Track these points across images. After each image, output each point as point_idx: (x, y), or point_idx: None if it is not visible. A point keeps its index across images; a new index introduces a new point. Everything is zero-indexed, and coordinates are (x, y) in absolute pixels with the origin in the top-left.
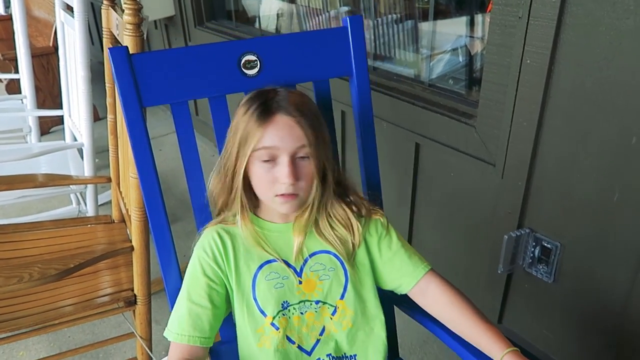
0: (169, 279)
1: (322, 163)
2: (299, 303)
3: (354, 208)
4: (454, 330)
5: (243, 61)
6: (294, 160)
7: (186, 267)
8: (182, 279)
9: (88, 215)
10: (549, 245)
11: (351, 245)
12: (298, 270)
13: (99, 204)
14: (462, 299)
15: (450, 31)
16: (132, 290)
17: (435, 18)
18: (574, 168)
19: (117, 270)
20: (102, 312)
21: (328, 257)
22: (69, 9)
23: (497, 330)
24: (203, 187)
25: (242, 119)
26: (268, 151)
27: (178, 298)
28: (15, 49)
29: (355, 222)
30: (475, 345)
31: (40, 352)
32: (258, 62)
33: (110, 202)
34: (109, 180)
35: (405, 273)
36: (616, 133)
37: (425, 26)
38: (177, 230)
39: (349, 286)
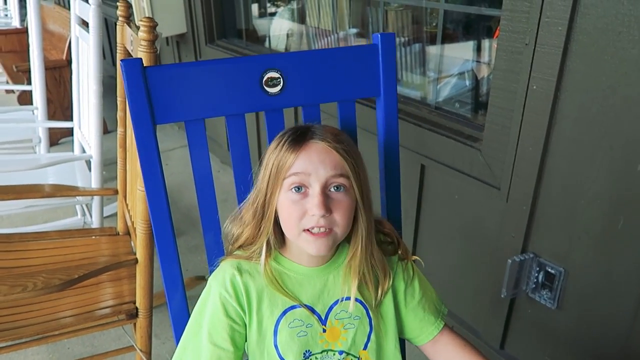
0: (172, 295)
1: (364, 195)
2: (321, 352)
3: (389, 248)
4: None
5: (265, 78)
6: (326, 191)
7: (189, 282)
8: (184, 294)
9: (93, 226)
10: (552, 271)
11: (380, 292)
12: (323, 318)
13: (104, 216)
14: (470, 352)
15: (458, 55)
16: (134, 303)
17: (443, 42)
18: (579, 194)
19: (119, 283)
20: (103, 324)
21: (355, 304)
22: (84, 24)
23: None
24: (214, 206)
25: (273, 152)
26: (298, 177)
27: (191, 332)
28: (29, 61)
29: (388, 267)
30: None
31: None
32: (281, 79)
33: (115, 214)
34: (116, 192)
35: (426, 323)
36: (621, 160)
37: (432, 49)
38: (181, 244)
39: (373, 336)
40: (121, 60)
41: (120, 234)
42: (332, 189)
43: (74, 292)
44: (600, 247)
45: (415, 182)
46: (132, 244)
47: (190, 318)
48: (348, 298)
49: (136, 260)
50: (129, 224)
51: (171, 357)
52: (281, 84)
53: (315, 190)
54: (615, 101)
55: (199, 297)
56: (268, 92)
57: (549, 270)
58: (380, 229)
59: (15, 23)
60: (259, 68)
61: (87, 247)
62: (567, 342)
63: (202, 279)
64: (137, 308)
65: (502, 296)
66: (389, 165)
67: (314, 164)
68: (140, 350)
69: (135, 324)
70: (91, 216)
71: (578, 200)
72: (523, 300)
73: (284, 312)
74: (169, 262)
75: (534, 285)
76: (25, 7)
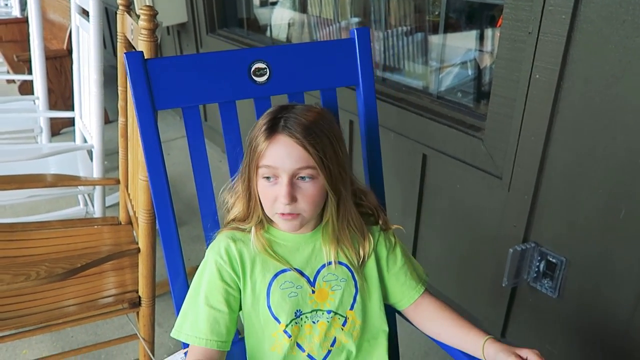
0: (175, 282)
1: (336, 181)
2: (311, 312)
3: (371, 219)
4: (443, 342)
5: (253, 69)
6: (293, 180)
7: (191, 271)
8: (187, 282)
9: (95, 216)
10: (554, 260)
11: (362, 256)
12: (311, 280)
13: (106, 205)
14: (449, 312)
15: (460, 44)
16: (137, 292)
17: (446, 31)
18: (580, 183)
19: (122, 272)
20: (106, 312)
21: (340, 267)
22: (85, 13)
23: (475, 328)
24: (211, 190)
25: (255, 131)
26: (267, 170)
27: (190, 300)
28: (29, 50)
29: (367, 233)
30: (461, 349)
31: (43, 351)
32: (267, 69)
33: (117, 204)
34: (118, 182)
35: (408, 287)
36: (623, 150)
37: (435, 39)
38: (183, 234)
39: (358, 297)
40: (125, 53)
41: (122, 223)
42: (299, 178)
43: (77, 281)
44: (601, 236)
45: (417, 172)
46: (134, 234)
47: (190, 288)
48: (330, 262)
49: (138, 250)
50: (131, 213)
51: (174, 345)
52: (267, 73)
53: (282, 180)
54: (619, 90)
55: None
56: (256, 81)
57: (550, 259)
58: (362, 201)
59: (16, 12)
60: (247, 59)
61: (89, 236)
62: (568, 330)
63: None
64: (139, 297)
65: (504, 285)
66: (371, 146)
67: (281, 158)
68: (143, 339)
69: (138, 313)
70: (93, 206)
71: (580, 190)
72: (524, 289)
73: (276, 275)
74: (171, 250)
75: (535, 275)
76: None
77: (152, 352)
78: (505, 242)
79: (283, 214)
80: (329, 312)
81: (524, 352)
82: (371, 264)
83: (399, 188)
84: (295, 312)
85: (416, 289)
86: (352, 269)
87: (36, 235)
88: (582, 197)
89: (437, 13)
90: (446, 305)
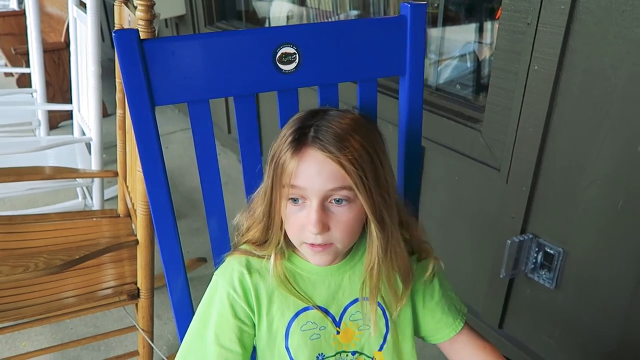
0: (172, 276)
1: (378, 205)
2: (335, 355)
3: (411, 250)
4: None
5: (279, 54)
6: (325, 204)
7: (191, 263)
8: (186, 276)
9: (94, 209)
10: (551, 251)
11: (400, 302)
12: (337, 320)
13: (104, 198)
14: (489, 354)
15: (459, 37)
16: (136, 284)
17: (445, 24)
18: (578, 175)
19: (120, 264)
20: (105, 304)
21: (369, 305)
22: (82, 5)
23: None
24: (222, 207)
25: (279, 142)
26: (295, 191)
27: (196, 334)
28: (27, 43)
29: (412, 277)
30: None
31: (42, 343)
32: (297, 55)
33: (115, 197)
34: (116, 174)
35: (443, 325)
36: (622, 141)
37: (434, 32)
38: (182, 227)
39: (389, 337)
40: (114, 31)
41: (121, 215)
42: (332, 202)
43: (76, 273)
44: (599, 227)
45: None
46: (133, 226)
47: (195, 316)
48: (364, 299)
49: (137, 242)
50: (130, 205)
51: (173, 338)
52: (297, 60)
53: (312, 204)
54: (618, 81)
55: (199, 279)
56: (282, 69)
57: (548, 250)
58: (409, 235)
59: (13, 5)
60: (273, 42)
61: (88, 228)
62: (565, 321)
63: (203, 261)
64: (138, 289)
65: (501, 276)
66: (410, 157)
67: (310, 177)
68: (142, 330)
69: (137, 305)
70: (92, 199)
71: (578, 181)
72: (522, 280)
73: (296, 314)
74: (168, 244)
75: (532, 266)
76: None
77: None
78: (503, 233)
79: (312, 245)
80: (353, 353)
81: None
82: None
83: (397, 180)
84: (317, 357)
85: (452, 326)
86: (383, 307)
87: (35, 228)
88: (580, 188)
89: (436, 5)
90: (486, 344)
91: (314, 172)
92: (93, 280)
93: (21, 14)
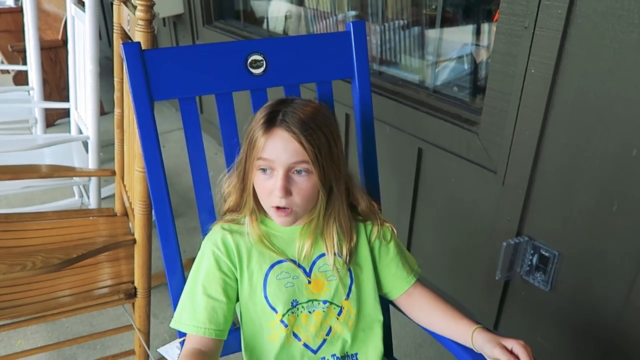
0: (172, 272)
1: (328, 178)
2: (307, 302)
3: (360, 217)
4: (435, 332)
5: (249, 60)
6: (288, 174)
7: (187, 262)
8: (184, 274)
9: (90, 207)
10: (546, 254)
11: (347, 251)
12: (307, 271)
13: (101, 197)
14: (441, 302)
15: (457, 39)
16: (132, 283)
17: (442, 25)
18: (574, 178)
19: (117, 263)
20: (101, 303)
21: (337, 258)
22: (80, 3)
23: (465, 317)
24: (207, 181)
25: (253, 123)
26: (264, 162)
27: (188, 291)
28: (24, 41)
29: (353, 232)
30: (452, 338)
31: (38, 341)
32: (264, 61)
33: (112, 196)
34: (113, 173)
35: (398, 278)
36: (617, 145)
37: (432, 33)
38: (179, 226)
39: (353, 287)
40: (122, 44)
41: (118, 214)
42: (295, 172)
43: (73, 272)
44: (594, 230)
45: (412, 165)
46: (130, 225)
47: (188, 279)
48: (324, 254)
49: (134, 240)
50: (127, 204)
51: (169, 337)
52: (264, 65)
53: (278, 174)
54: (613, 85)
55: None
56: (252, 73)
57: (543, 253)
58: (357, 204)
59: (10, 2)
60: (244, 51)
61: (84, 227)
62: (560, 323)
63: None
64: (135, 288)
65: (497, 278)
66: (366, 139)
67: (277, 152)
68: (139, 330)
69: (133, 304)
70: (88, 197)
71: (573, 184)
72: (517, 282)
73: (272, 266)
74: (168, 241)
75: (528, 268)
76: None
77: (148, 342)
78: (499, 235)
79: (277, 209)
80: (324, 302)
81: (509, 343)
82: (365, 255)
83: (394, 181)
84: (292, 302)
85: (407, 279)
86: (344, 259)
87: (32, 226)
88: (575, 191)
89: (434, 7)
90: (437, 295)
91: (280, 148)
92: (89, 279)
93: (18, 11)
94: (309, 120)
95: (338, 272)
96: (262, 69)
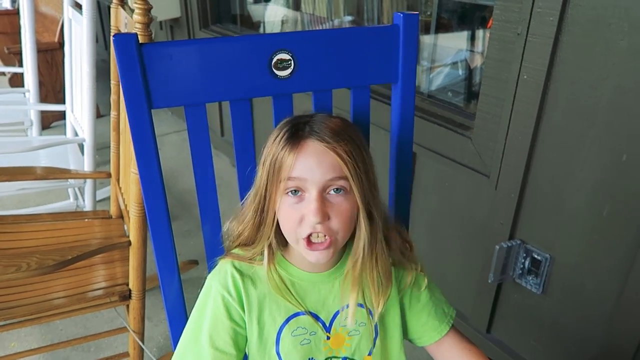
0: (166, 277)
1: (367, 197)
2: None
3: (395, 257)
4: None
5: (275, 60)
6: (324, 194)
7: (183, 265)
8: (179, 278)
9: (86, 210)
10: (539, 257)
11: (382, 302)
12: (327, 325)
13: (96, 199)
14: (474, 355)
15: (451, 45)
16: (127, 285)
17: (437, 31)
18: (565, 182)
19: (112, 265)
20: (96, 305)
21: (360, 310)
22: (77, 6)
23: None
24: (215, 201)
25: (271, 146)
26: (294, 182)
27: (190, 338)
28: (20, 43)
29: (392, 278)
30: None
31: (32, 343)
32: (292, 61)
33: (107, 198)
34: (109, 175)
35: (429, 328)
36: (607, 150)
37: (426, 39)
38: (174, 229)
39: (378, 341)
40: (113, 35)
41: (113, 217)
42: (332, 192)
43: (67, 274)
44: (585, 234)
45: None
46: (125, 227)
47: (189, 320)
48: (359, 304)
49: (129, 243)
50: (122, 206)
51: (163, 339)
52: (292, 66)
53: (312, 195)
54: (604, 92)
55: (191, 281)
56: (277, 75)
57: (535, 256)
58: (391, 238)
59: (6, 4)
60: (269, 48)
61: (79, 229)
62: (552, 326)
63: (194, 263)
64: (130, 290)
65: (490, 281)
66: (401, 162)
67: (310, 167)
68: (133, 332)
69: (128, 306)
70: (84, 200)
71: (565, 189)
72: (510, 285)
73: (287, 320)
74: (162, 245)
75: (520, 271)
76: None
77: (142, 344)
78: (492, 239)
79: (310, 242)
80: (344, 358)
81: None
82: (394, 304)
83: (385, 186)
84: None
85: (438, 329)
86: (372, 312)
87: (27, 228)
88: (567, 195)
89: (429, 13)
90: (472, 347)
91: (313, 163)
92: (84, 281)
93: (14, 13)
94: (341, 131)
95: (363, 325)
96: (289, 71)
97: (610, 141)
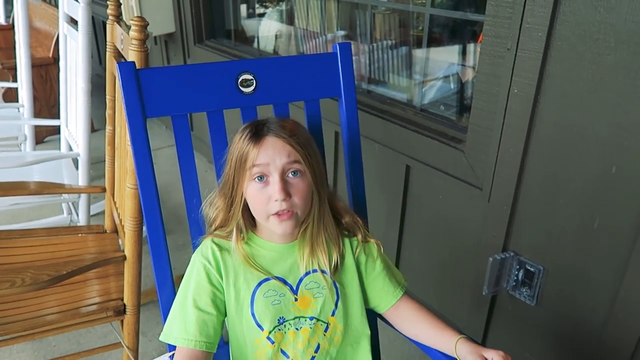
0: (163, 288)
1: (317, 179)
2: (294, 319)
3: (345, 231)
4: (421, 343)
5: (240, 80)
6: (284, 177)
7: (177, 279)
8: (175, 289)
9: (80, 224)
10: (532, 269)
11: (333, 262)
12: (294, 288)
13: (90, 214)
14: (426, 313)
15: (443, 59)
16: (122, 300)
17: (429, 45)
18: (557, 194)
19: (106, 280)
20: (90, 320)
21: (322, 275)
22: (73, 21)
23: (449, 328)
24: (198, 197)
25: (237, 144)
26: (259, 169)
27: (178, 304)
28: (14, 57)
29: (340, 240)
30: (437, 348)
31: None
32: (254, 80)
33: (101, 213)
34: (104, 190)
35: (385, 292)
36: (597, 162)
37: (419, 53)
38: (169, 243)
39: (340, 303)
40: (117, 63)
41: (108, 231)
42: (290, 175)
43: (61, 289)
44: (577, 245)
45: (400, 182)
46: (120, 242)
47: (177, 293)
48: (315, 270)
49: (124, 257)
50: (117, 221)
51: (157, 355)
52: (254, 84)
53: (275, 177)
54: (592, 105)
55: None
56: (243, 91)
57: (529, 268)
58: (340, 214)
59: (1, 19)
60: (235, 71)
61: (74, 244)
62: (546, 337)
63: None
64: (124, 305)
65: (484, 293)
66: (352, 155)
67: (271, 156)
68: (127, 348)
69: (122, 321)
70: (77, 214)
71: (556, 201)
72: (504, 297)
73: (259, 284)
74: (159, 254)
75: (514, 283)
76: (10, 3)
77: None
78: (485, 251)
79: (279, 215)
80: (311, 318)
81: (490, 354)
82: (352, 270)
83: (382, 198)
84: (279, 319)
85: (394, 293)
86: (330, 276)
87: (20, 243)
88: (558, 207)
89: (420, 28)
90: (423, 307)
91: (273, 151)
92: (78, 296)
93: (9, 28)
94: (293, 128)
95: (325, 288)
96: (252, 88)
97: (600, 154)
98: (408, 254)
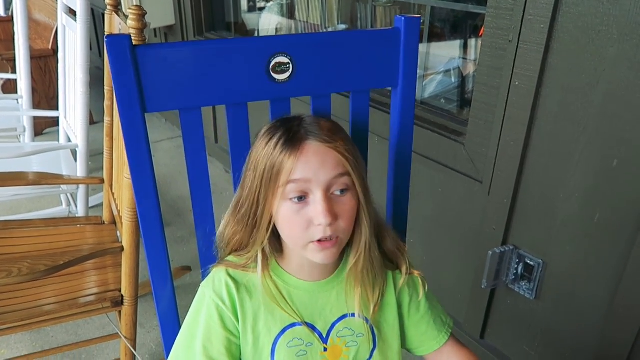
0: (159, 283)
1: (366, 195)
2: None
3: (387, 261)
4: None
5: (273, 63)
6: (329, 195)
7: (175, 272)
8: (172, 284)
9: (78, 215)
10: (531, 263)
11: (374, 302)
12: (324, 336)
13: (89, 206)
14: None
15: (444, 53)
16: (119, 290)
17: (430, 40)
18: (557, 188)
19: (104, 271)
20: (87, 311)
21: (359, 321)
22: (72, 12)
23: None
24: (210, 212)
25: (263, 151)
26: (298, 186)
27: (184, 347)
28: (14, 49)
29: (385, 277)
30: None
31: (22, 350)
32: (291, 65)
33: (99, 204)
34: (102, 181)
35: (428, 337)
36: (598, 155)
37: (420, 47)
38: (167, 235)
39: (376, 352)
40: (106, 35)
41: (106, 223)
42: (336, 192)
43: (58, 280)
44: (577, 239)
45: None
46: (118, 233)
47: (182, 328)
48: (353, 315)
49: (122, 248)
50: (115, 212)
51: (155, 346)
52: (290, 70)
53: (317, 196)
54: (594, 98)
55: (184, 287)
56: (275, 79)
57: (528, 262)
58: (383, 239)
59: (0, 11)
60: (267, 51)
61: (72, 235)
62: (545, 331)
63: (187, 270)
64: (122, 296)
65: (483, 287)
66: (400, 168)
67: (314, 168)
68: (125, 338)
69: (120, 312)
70: (76, 206)
71: (557, 194)
72: (503, 291)
73: (283, 331)
74: (155, 251)
75: (513, 277)
76: None
77: (135, 350)
78: (485, 244)
79: (321, 242)
80: None
81: None
82: (392, 311)
83: (383, 191)
84: None
85: (437, 339)
86: (370, 322)
87: (18, 234)
88: (559, 201)
89: (422, 21)
90: (471, 355)
91: (317, 163)
92: (75, 287)
93: (8, 20)
94: (336, 130)
95: (361, 336)
96: (287, 74)
97: (601, 147)
98: (408, 246)
